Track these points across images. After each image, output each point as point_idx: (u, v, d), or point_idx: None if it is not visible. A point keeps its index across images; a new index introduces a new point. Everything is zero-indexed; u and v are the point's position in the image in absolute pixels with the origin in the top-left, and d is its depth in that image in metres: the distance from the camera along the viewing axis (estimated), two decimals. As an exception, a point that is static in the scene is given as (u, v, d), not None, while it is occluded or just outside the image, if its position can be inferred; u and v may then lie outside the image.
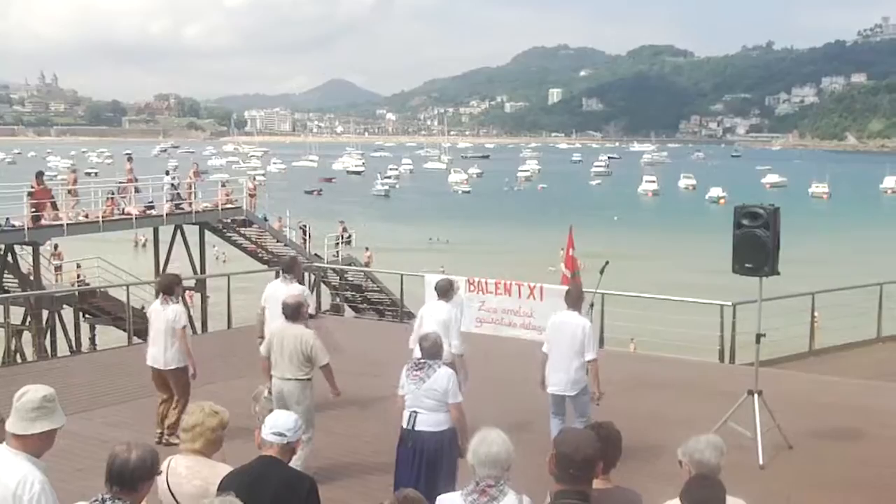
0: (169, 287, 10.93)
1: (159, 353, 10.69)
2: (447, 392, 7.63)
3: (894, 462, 9.76)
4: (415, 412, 7.70)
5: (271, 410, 6.12)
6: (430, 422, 7.65)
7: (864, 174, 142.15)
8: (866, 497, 9.26)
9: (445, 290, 10.74)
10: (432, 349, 7.88)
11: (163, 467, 5.22)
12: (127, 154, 37.71)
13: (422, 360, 7.84)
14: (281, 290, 11.49)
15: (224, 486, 4.78)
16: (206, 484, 5.01)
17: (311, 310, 11.54)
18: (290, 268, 12.10)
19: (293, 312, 9.32)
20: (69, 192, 29.65)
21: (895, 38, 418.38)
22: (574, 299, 9.88)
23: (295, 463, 8.88)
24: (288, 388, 9.10)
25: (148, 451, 4.32)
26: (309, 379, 9.18)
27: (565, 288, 11.90)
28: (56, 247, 33.99)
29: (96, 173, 78.26)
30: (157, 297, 11.24)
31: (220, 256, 46.14)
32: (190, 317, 27.54)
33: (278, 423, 5.17)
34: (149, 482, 4.32)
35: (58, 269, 32.08)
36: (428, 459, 7.61)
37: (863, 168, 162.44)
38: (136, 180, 31.58)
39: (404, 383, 7.83)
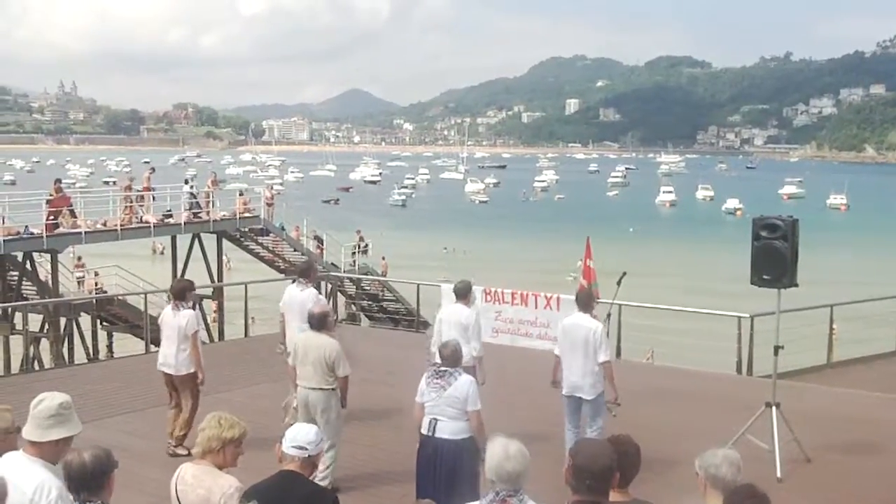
0: (181, 292, 10.87)
1: (171, 357, 10.65)
2: (467, 399, 7.62)
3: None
4: (435, 419, 7.70)
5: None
6: (450, 430, 7.64)
7: (883, 186, 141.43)
8: (885, 511, 9.19)
9: (465, 293, 10.76)
10: (453, 356, 7.87)
11: (174, 475, 5.26)
12: (147, 163, 37.90)
13: (442, 369, 7.82)
14: (296, 295, 11.53)
15: (247, 499, 4.79)
16: (209, 493, 5.01)
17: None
18: (304, 273, 12.07)
19: (318, 322, 9.31)
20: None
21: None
22: (584, 302, 9.88)
23: (323, 473, 8.94)
24: (313, 397, 9.10)
25: (98, 448, 4.32)
26: (334, 389, 9.15)
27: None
28: (80, 258, 34.10)
29: (114, 182, 78.63)
30: (169, 301, 11.22)
31: (227, 264, 45.93)
32: (207, 325, 27.68)
33: (299, 437, 5.12)
34: (111, 475, 4.31)
35: (80, 280, 32.09)
36: (448, 467, 7.60)
37: (881, 180, 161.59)
38: (153, 189, 31.62)
39: (424, 391, 7.81)
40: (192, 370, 10.62)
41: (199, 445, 5.20)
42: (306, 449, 5.07)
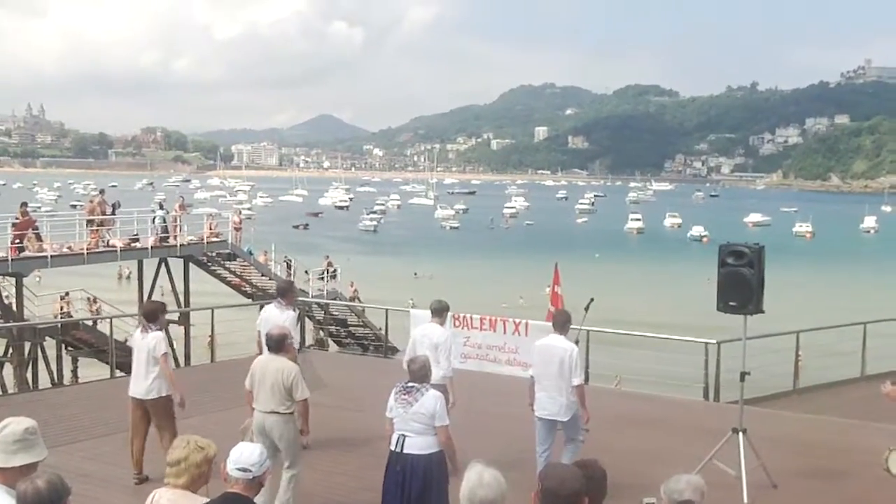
0: (152, 314, 10.56)
1: (140, 382, 10.34)
2: (434, 415, 7.64)
3: (877, 501, 9.74)
4: (403, 435, 7.72)
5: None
6: (418, 445, 7.66)
7: (847, 214, 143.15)
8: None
9: (441, 311, 10.83)
10: (420, 372, 7.88)
11: (147, 501, 5.17)
12: (114, 186, 37.52)
13: (410, 384, 7.83)
14: (274, 315, 11.25)
15: None
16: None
17: (296, 344, 11.42)
18: (283, 293, 11.87)
19: (276, 344, 9.06)
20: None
21: (878, 81, 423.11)
22: (561, 324, 9.94)
23: (284, 499, 8.82)
24: (269, 421, 8.88)
25: (51, 474, 4.16)
26: (291, 413, 8.95)
27: (550, 324, 11.91)
28: (66, 293, 33.47)
29: (82, 205, 78.03)
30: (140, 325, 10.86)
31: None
32: (173, 350, 27.40)
33: (242, 458, 4.98)
34: (66, 501, 4.13)
35: (69, 315, 31.34)
36: (416, 483, 7.60)
37: (845, 208, 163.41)
38: (104, 213, 31.00)
39: (392, 407, 7.84)
40: (162, 394, 10.28)
41: (185, 474, 4.99)
42: (250, 471, 4.96)
